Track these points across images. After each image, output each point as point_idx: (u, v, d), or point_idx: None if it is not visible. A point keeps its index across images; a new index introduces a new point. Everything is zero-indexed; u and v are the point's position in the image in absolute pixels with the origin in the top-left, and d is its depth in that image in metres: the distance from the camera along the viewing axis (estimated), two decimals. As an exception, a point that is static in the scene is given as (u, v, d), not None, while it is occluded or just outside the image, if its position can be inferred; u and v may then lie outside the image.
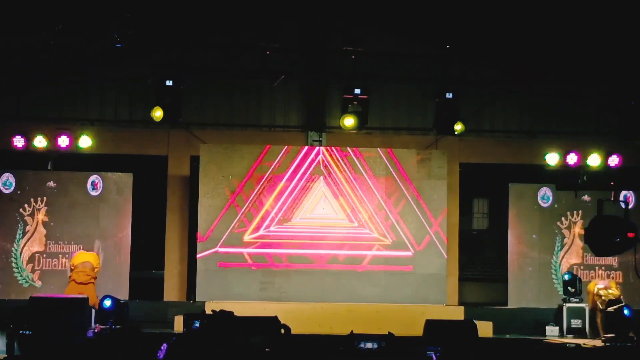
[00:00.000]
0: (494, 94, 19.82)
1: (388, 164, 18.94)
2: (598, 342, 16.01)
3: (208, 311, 16.18)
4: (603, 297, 17.08)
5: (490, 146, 20.03)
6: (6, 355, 12.70)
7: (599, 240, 12.02)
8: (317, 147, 19.19)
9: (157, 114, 17.43)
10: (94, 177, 18.61)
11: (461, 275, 19.80)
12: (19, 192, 18.37)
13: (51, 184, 18.41)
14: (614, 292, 17.25)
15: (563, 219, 19.00)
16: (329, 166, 18.91)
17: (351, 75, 18.01)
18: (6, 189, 18.38)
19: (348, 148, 18.99)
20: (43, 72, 18.69)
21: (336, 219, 18.63)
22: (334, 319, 16.83)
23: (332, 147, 19.10)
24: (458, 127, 18.20)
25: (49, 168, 18.65)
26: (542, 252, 18.98)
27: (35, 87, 19.18)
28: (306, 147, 19.19)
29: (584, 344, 15.37)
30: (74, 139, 18.27)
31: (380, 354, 10.38)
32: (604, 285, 17.49)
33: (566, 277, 18.18)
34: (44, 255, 18.17)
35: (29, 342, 12.39)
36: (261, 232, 18.65)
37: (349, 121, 18.09)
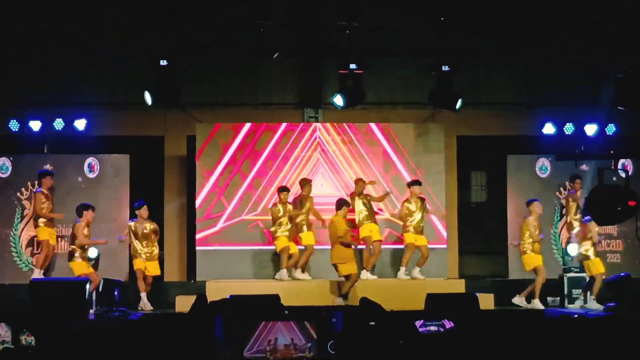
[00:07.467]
0: (491, 67, 19.74)
1: (385, 139, 18.90)
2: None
3: (209, 290, 16.27)
4: None
5: (487, 119, 19.95)
6: (12, 346, 12.71)
7: (600, 209, 12.01)
8: (314, 124, 19.15)
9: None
10: (90, 159, 18.56)
11: (461, 249, 19.79)
12: (15, 176, 18.32)
13: (48, 167, 18.33)
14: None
15: (561, 189, 18.98)
16: (326, 143, 18.85)
17: (346, 51, 17.91)
18: (3, 173, 18.32)
19: (345, 124, 18.94)
20: (38, 55, 18.59)
21: (334, 196, 18.50)
22: (336, 295, 16.80)
23: (329, 124, 19.06)
24: (458, 104, 18.07)
25: (45, 151, 18.58)
26: (541, 223, 18.93)
27: (30, 71, 19.06)
28: (302, 124, 19.15)
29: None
30: (69, 122, 18.23)
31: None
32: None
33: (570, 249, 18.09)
34: (43, 239, 18.05)
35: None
36: (259, 210, 18.62)
37: (339, 100, 18.04)
